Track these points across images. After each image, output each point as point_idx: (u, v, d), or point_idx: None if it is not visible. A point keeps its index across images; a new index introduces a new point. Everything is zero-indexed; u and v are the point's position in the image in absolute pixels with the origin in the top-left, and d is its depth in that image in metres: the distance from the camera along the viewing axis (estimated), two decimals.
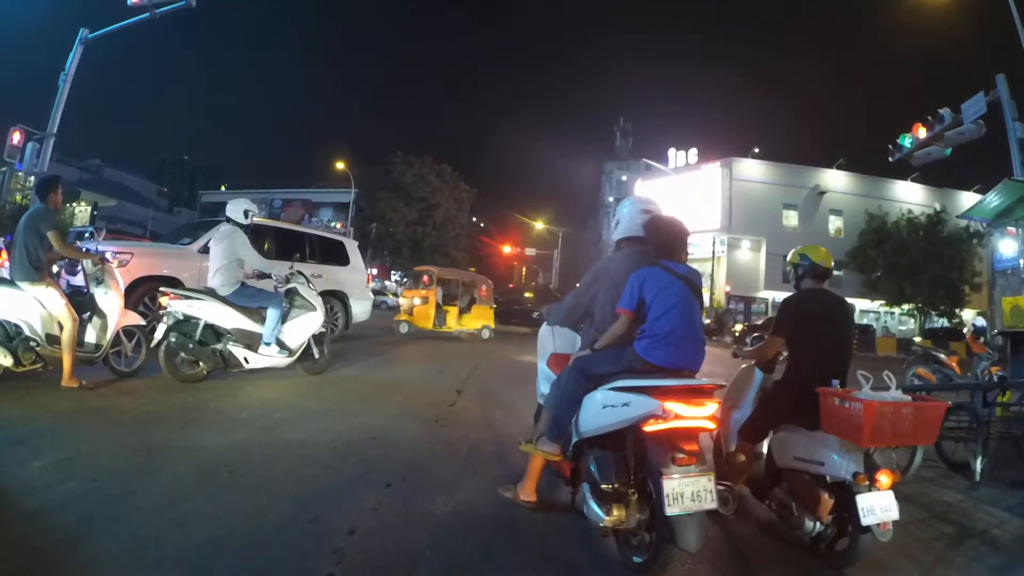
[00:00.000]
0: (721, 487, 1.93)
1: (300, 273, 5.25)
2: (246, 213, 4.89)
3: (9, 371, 3.62)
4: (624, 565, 2.04)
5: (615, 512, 1.94)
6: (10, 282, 3.70)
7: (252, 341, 4.66)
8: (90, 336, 4.07)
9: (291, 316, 4.99)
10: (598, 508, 1.97)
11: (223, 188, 53.73)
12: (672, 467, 1.82)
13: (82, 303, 4.05)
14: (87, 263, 4.16)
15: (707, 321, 25.13)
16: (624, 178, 50.06)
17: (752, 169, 31.47)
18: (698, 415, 1.94)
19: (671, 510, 1.76)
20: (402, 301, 13.19)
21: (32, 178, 15.29)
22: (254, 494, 2.32)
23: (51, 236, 3.74)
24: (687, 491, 1.79)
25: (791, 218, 31.31)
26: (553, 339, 2.75)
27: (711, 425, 2.04)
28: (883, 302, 28.91)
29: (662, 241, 2.31)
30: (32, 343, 3.70)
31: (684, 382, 2.03)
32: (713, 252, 28.90)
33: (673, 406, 1.91)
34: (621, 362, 2.15)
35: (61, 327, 3.77)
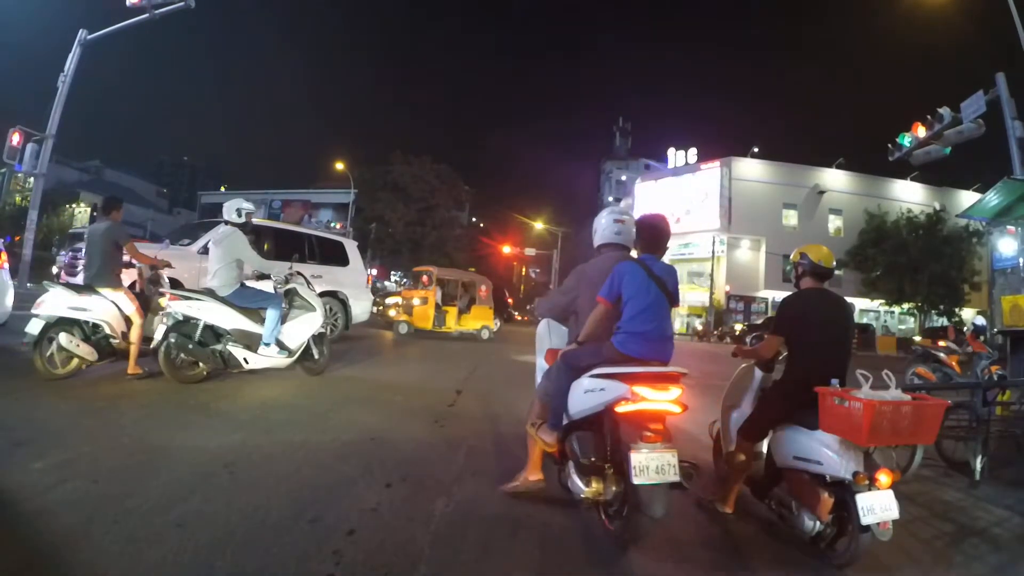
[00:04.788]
0: (685, 463, 2.14)
1: (299, 274, 5.25)
2: (239, 211, 4.87)
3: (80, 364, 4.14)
4: (607, 536, 2.26)
5: (594, 484, 2.19)
6: (91, 288, 4.23)
7: (252, 342, 4.65)
8: (147, 331, 4.48)
9: (291, 317, 4.98)
10: (580, 481, 2.24)
11: (223, 189, 53.71)
12: (640, 443, 2.06)
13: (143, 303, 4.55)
14: (144, 267, 4.76)
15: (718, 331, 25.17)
16: (623, 178, 49.99)
17: (752, 169, 31.49)
18: (663, 399, 2.15)
19: (638, 480, 2.00)
20: (391, 300, 13.19)
21: (32, 179, 15.29)
22: (254, 495, 2.32)
23: (128, 247, 4.45)
24: (652, 464, 2.02)
25: (791, 217, 31.34)
26: (549, 335, 2.93)
27: (677, 408, 2.20)
28: (883, 301, 28.95)
29: (648, 237, 2.57)
30: (112, 339, 4.27)
31: (652, 369, 2.24)
32: (713, 252, 28.92)
33: (640, 390, 2.13)
34: (601, 354, 2.36)
35: (128, 324, 4.36)
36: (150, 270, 4.69)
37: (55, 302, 4.03)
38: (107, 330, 4.22)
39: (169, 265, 4.80)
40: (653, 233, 2.56)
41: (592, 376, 2.32)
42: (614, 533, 2.24)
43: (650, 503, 2.03)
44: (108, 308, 4.22)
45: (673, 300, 2.42)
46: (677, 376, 2.25)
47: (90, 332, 4.19)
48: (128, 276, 4.70)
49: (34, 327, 3.92)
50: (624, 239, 2.73)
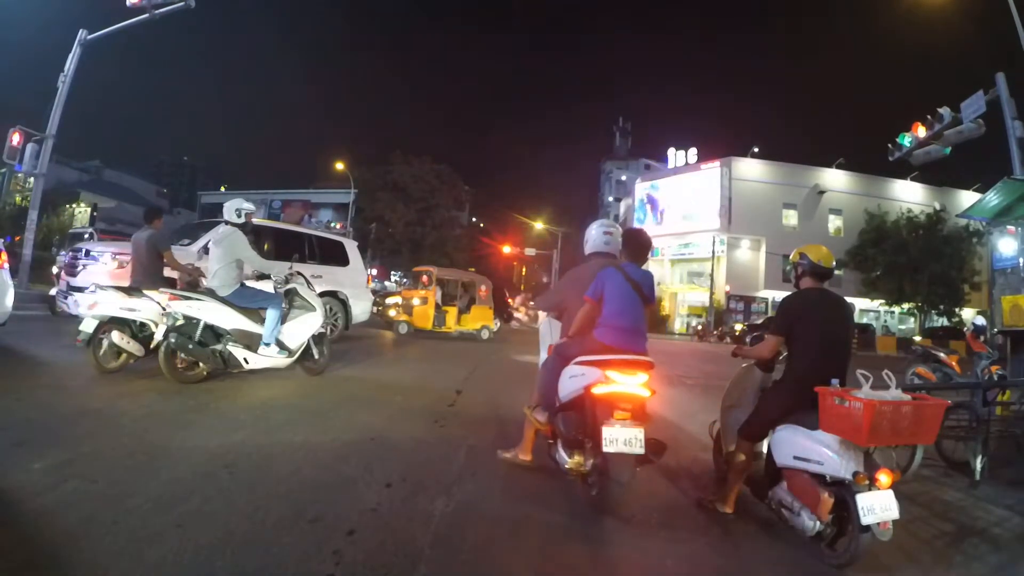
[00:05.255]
0: (652, 440, 2.47)
1: (300, 274, 5.24)
2: (238, 212, 4.87)
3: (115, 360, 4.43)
4: (588, 505, 2.57)
5: (576, 456, 2.56)
6: (138, 290, 4.54)
7: (252, 342, 4.65)
8: None
9: (291, 317, 4.98)
10: (564, 454, 2.63)
11: (223, 189, 53.70)
12: (612, 419, 2.42)
13: None
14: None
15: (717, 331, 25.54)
16: (623, 178, 50.03)
17: (752, 168, 31.44)
18: (631, 382, 2.49)
19: (607, 448, 2.36)
20: (391, 300, 13.16)
21: (32, 179, 15.30)
22: (254, 495, 2.32)
23: (166, 254, 4.92)
24: (621, 437, 2.36)
25: (791, 217, 31.30)
26: (551, 332, 3.27)
27: (645, 392, 2.52)
28: (883, 301, 28.93)
29: (633, 247, 2.96)
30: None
31: (623, 357, 2.55)
32: (713, 252, 28.89)
33: (612, 374, 2.48)
34: (585, 346, 2.73)
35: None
36: (187, 277, 5.03)
37: (107, 303, 4.35)
38: (153, 328, 4.54)
39: (202, 275, 5.00)
40: (636, 244, 2.96)
41: (576, 363, 2.68)
42: (593, 500, 2.56)
43: (619, 470, 2.38)
44: (154, 308, 4.51)
45: (647, 300, 2.80)
46: (646, 364, 2.58)
47: (137, 330, 4.52)
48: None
49: (88, 326, 4.28)
50: (611, 248, 3.16)
